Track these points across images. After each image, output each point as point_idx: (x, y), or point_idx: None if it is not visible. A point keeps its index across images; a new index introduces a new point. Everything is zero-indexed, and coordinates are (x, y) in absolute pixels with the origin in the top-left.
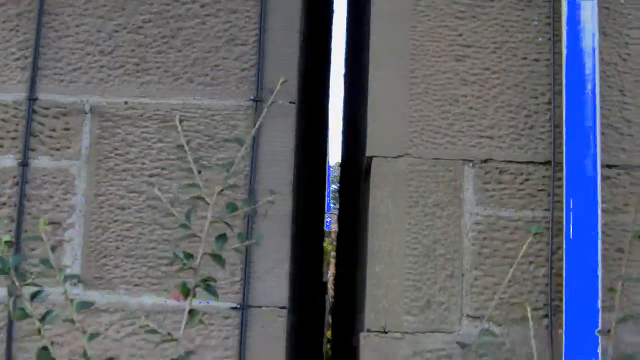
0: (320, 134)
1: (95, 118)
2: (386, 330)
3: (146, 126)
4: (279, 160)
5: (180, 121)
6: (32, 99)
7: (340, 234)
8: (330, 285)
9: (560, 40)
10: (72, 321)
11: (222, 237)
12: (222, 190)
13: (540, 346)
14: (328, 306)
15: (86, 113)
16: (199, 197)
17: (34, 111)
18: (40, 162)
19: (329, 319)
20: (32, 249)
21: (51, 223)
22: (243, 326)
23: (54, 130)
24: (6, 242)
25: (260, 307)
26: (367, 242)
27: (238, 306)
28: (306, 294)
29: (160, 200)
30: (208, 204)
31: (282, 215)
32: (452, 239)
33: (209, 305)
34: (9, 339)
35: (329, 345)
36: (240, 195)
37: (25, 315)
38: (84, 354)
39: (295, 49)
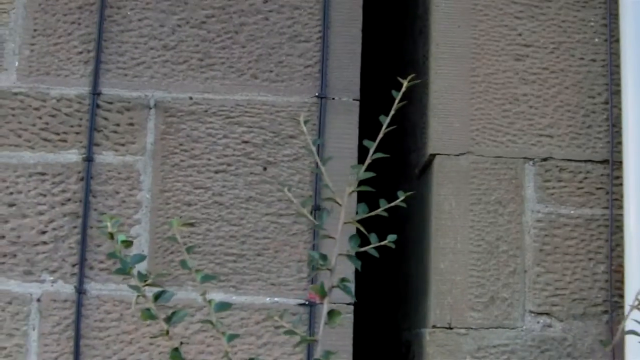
0: None
1: (159, 113)
2: (451, 326)
3: (211, 122)
4: (345, 157)
5: (306, 122)
6: (95, 93)
7: None
8: None
9: (617, 41)
10: (212, 323)
11: (355, 237)
12: (352, 192)
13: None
14: None
15: (150, 108)
16: (329, 199)
17: (97, 105)
18: (105, 157)
19: None
20: (98, 246)
21: (186, 224)
22: (311, 322)
23: (118, 125)
24: (123, 241)
25: None
26: (429, 239)
27: (306, 302)
28: None
29: (224, 196)
30: (340, 204)
31: (347, 212)
32: (514, 236)
33: (277, 302)
34: (77, 336)
35: None
36: (306, 192)
37: (151, 315)
38: (226, 354)
39: (358, 45)
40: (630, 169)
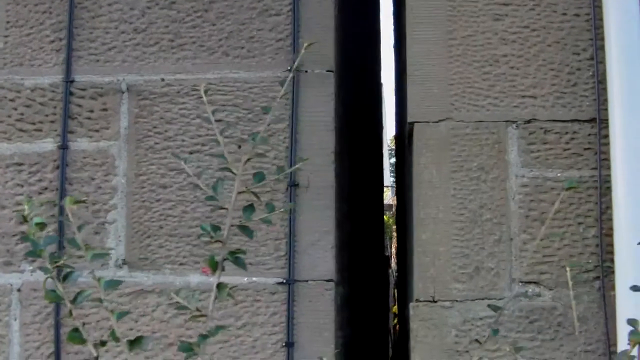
0: (375, 107)
1: (132, 97)
2: (435, 299)
3: (184, 102)
4: (320, 130)
5: (205, 91)
6: (68, 80)
7: (398, 207)
8: (393, 259)
9: None
10: (100, 300)
11: (249, 208)
12: (248, 160)
13: (593, 308)
14: (392, 280)
15: (123, 92)
16: (226, 169)
17: (71, 93)
18: (80, 144)
19: (394, 292)
20: (74, 233)
21: (77, 202)
22: (290, 301)
23: (91, 111)
24: (37, 224)
25: (306, 281)
26: (412, 209)
27: (284, 281)
28: (366, 267)
29: (199, 176)
30: (235, 174)
31: (324, 187)
32: (498, 203)
33: (255, 282)
34: (57, 324)
35: (396, 320)
36: (281, 168)
37: (57, 297)
38: (112, 333)
39: (330, 16)
40: (616, 126)
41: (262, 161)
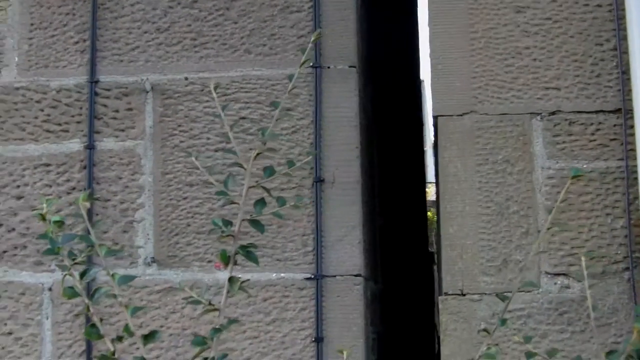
0: (414, 103)
1: (157, 96)
2: (464, 293)
3: (208, 101)
4: (343, 125)
5: (215, 87)
6: (93, 81)
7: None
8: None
9: None
10: (115, 296)
11: (260, 202)
12: (258, 155)
13: (624, 299)
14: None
15: (147, 92)
16: (236, 164)
17: (96, 93)
18: (106, 144)
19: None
20: (104, 232)
21: (90, 199)
22: (318, 297)
23: (117, 111)
24: (55, 222)
25: (334, 276)
26: (439, 203)
27: (312, 276)
28: (408, 263)
29: (225, 174)
30: (245, 169)
31: (350, 182)
32: (524, 195)
33: (283, 277)
34: (88, 322)
35: None
36: (306, 163)
37: (74, 293)
38: (126, 328)
39: (352, 12)
40: None
41: (287, 157)
